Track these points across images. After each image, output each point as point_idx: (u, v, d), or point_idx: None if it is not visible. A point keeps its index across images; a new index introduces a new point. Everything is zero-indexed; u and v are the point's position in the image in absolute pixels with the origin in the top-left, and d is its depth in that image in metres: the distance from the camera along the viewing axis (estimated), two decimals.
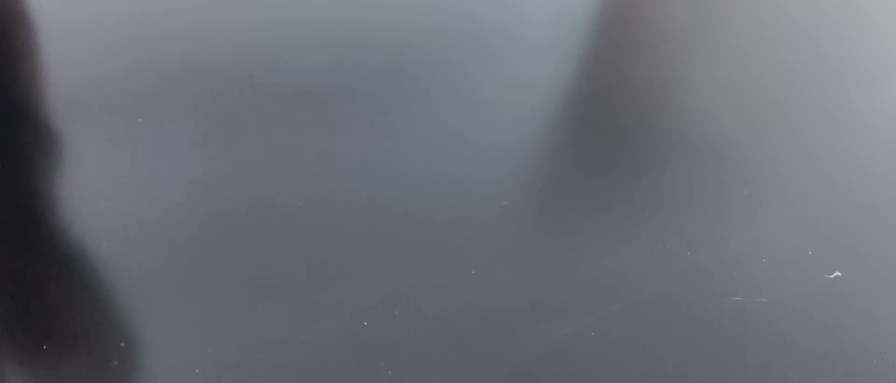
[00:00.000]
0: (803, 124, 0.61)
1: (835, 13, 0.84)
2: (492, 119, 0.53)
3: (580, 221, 0.46)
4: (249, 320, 0.35)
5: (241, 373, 0.33)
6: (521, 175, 0.49)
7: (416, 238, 0.42)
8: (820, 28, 0.80)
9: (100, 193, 0.41)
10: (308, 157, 0.46)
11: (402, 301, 0.38)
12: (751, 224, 0.48)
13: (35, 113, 0.45)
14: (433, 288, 0.39)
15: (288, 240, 0.39)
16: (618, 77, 0.62)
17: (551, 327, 0.38)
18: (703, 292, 0.42)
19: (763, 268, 0.45)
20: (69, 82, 0.49)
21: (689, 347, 0.39)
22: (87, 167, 0.43)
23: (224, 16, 0.58)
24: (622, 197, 0.49)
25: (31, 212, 0.39)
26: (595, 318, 0.39)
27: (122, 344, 0.31)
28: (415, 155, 0.48)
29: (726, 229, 0.47)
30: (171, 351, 0.34)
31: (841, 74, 0.70)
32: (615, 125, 0.55)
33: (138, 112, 0.47)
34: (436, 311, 0.38)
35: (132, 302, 0.36)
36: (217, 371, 0.30)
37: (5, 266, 0.35)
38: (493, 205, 0.46)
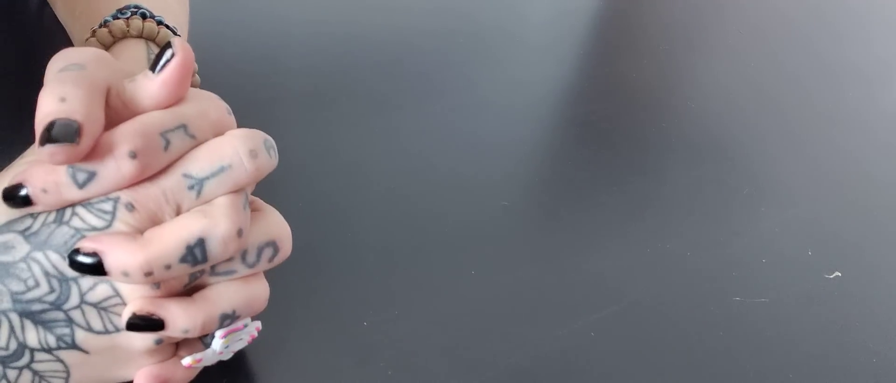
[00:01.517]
0: (803, 124, 0.61)
1: (831, 16, 0.84)
2: (492, 119, 0.53)
3: (580, 221, 0.46)
4: None
5: (240, 374, 0.33)
6: (521, 175, 0.49)
7: (415, 237, 0.42)
8: (817, 30, 0.80)
9: None
10: (308, 157, 0.46)
11: (402, 301, 0.38)
12: (751, 224, 0.48)
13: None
14: (433, 288, 0.39)
15: None
16: (618, 77, 0.62)
17: (551, 327, 0.38)
18: (703, 292, 0.42)
19: (763, 268, 0.45)
20: None
21: (689, 347, 0.39)
22: None
23: (222, 15, 0.58)
24: (622, 197, 0.49)
25: None
26: (595, 318, 0.39)
27: None
28: (415, 155, 0.48)
29: (726, 229, 0.47)
30: None
31: (838, 76, 0.70)
32: (615, 125, 0.55)
33: None
34: (436, 311, 0.38)
35: None
36: (215, 372, 0.30)
37: None
38: (493, 205, 0.45)
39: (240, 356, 0.33)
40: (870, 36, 0.81)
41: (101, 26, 0.39)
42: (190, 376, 0.29)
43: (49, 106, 0.23)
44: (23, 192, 0.24)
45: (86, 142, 0.23)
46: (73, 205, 0.25)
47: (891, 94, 0.68)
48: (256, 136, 0.27)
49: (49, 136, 0.23)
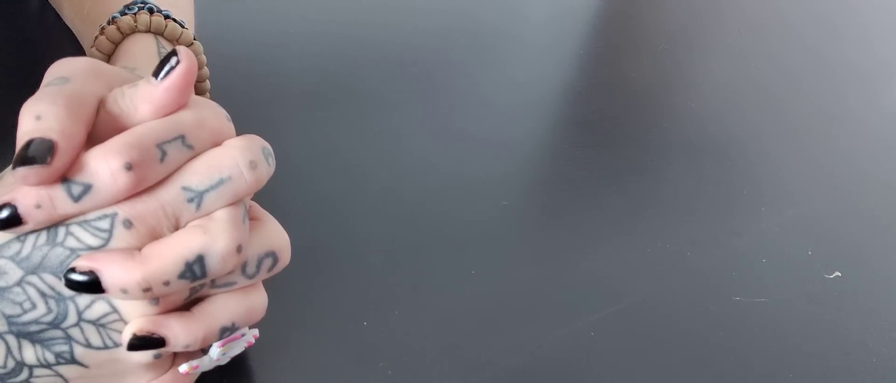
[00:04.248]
0: (803, 124, 0.61)
1: (831, 15, 0.84)
2: (492, 119, 0.53)
3: (580, 221, 0.46)
4: None
5: (240, 374, 0.33)
6: (521, 175, 0.49)
7: (415, 237, 0.42)
8: (817, 30, 0.80)
9: None
10: (308, 157, 0.46)
11: (402, 301, 0.38)
12: (751, 224, 0.48)
13: None
14: (433, 288, 0.39)
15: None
16: (618, 77, 0.62)
17: (551, 327, 0.38)
18: (703, 292, 0.42)
19: (763, 268, 0.45)
20: None
21: (689, 347, 0.39)
22: None
23: (221, 15, 0.58)
24: (622, 197, 0.49)
25: None
26: (595, 318, 0.39)
27: None
28: (415, 154, 0.48)
29: (726, 229, 0.47)
30: None
31: (838, 75, 0.70)
32: (615, 125, 0.55)
33: None
34: (436, 311, 0.38)
35: None
36: (215, 372, 0.30)
37: None
38: (493, 204, 0.45)
39: (239, 356, 0.33)
40: (870, 36, 0.81)
41: (108, 23, 0.39)
42: (188, 382, 0.29)
43: (24, 125, 0.23)
44: (6, 213, 0.23)
45: (59, 161, 0.23)
46: (65, 221, 0.24)
47: (891, 94, 0.68)
48: (255, 146, 0.26)
49: (24, 157, 0.22)
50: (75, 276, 0.23)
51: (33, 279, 0.24)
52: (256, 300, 0.28)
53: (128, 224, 0.24)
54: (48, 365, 0.25)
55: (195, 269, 0.24)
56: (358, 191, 0.44)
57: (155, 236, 0.25)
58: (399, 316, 0.37)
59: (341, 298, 0.37)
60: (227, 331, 0.27)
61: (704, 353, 0.39)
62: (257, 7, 0.60)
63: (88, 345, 0.25)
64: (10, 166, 0.23)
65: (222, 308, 0.27)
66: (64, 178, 0.23)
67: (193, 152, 0.25)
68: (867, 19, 0.84)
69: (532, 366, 0.36)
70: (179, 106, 0.25)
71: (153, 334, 0.25)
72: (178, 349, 0.26)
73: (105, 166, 0.23)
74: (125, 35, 0.39)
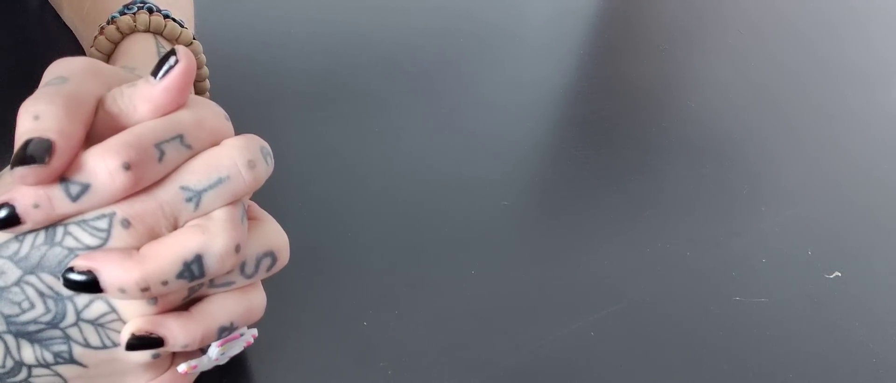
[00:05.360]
0: (803, 124, 0.61)
1: (831, 15, 0.84)
2: (492, 119, 0.53)
3: (580, 221, 0.46)
4: None
5: (240, 375, 0.33)
6: (521, 175, 0.49)
7: (415, 237, 0.42)
8: (817, 30, 0.80)
9: None
10: (307, 157, 0.46)
11: (402, 301, 0.38)
12: (751, 224, 0.48)
13: None
14: (433, 288, 0.39)
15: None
16: (618, 77, 0.62)
17: (551, 327, 0.38)
18: (703, 292, 0.42)
19: (763, 268, 0.45)
20: None
21: (688, 347, 0.39)
22: None
23: (220, 15, 0.58)
24: (622, 197, 0.48)
25: None
26: (595, 318, 0.39)
27: None
28: (415, 154, 0.48)
29: (726, 229, 0.47)
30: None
31: (838, 75, 0.70)
32: (615, 125, 0.55)
33: None
34: (436, 311, 0.38)
35: None
36: (215, 372, 0.30)
37: None
38: (493, 204, 0.45)
39: (239, 356, 0.33)
40: (870, 36, 0.81)
41: (108, 23, 0.39)
42: (187, 382, 0.29)
43: (23, 125, 0.23)
44: (5, 213, 0.23)
45: (57, 161, 0.23)
46: (63, 220, 0.24)
47: (891, 94, 0.68)
48: (254, 145, 0.26)
49: (22, 157, 0.22)
50: (73, 276, 0.23)
51: (32, 279, 0.24)
52: (255, 300, 0.28)
53: (126, 223, 0.24)
54: (47, 365, 0.25)
55: (193, 269, 0.24)
56: (357, 191, 0.44)
57: (153, 236, 0.25)
58: (399, 316, 0.37)
59: (341, 298, 0.37)
60: (225, 331, 0.27)
61: (704, 353, 0.39)
62: (257, 7, 0.60)
63: (87, 345, 0.25)
64: (9, 166, 0.23)
65: (221, 307, 0.27)
66: (62, 178, 0.23)
67: (192, 152, 0.25)
68: (867, 19, 0.84)
69: (532, 366, 0.36)
70: (178, 105, 0.25)
71: (151, 334, 0.25)
72: (177, 349, 0.26)
73: (103, 166, 0.23)
74: (124, 35, 0.39)
